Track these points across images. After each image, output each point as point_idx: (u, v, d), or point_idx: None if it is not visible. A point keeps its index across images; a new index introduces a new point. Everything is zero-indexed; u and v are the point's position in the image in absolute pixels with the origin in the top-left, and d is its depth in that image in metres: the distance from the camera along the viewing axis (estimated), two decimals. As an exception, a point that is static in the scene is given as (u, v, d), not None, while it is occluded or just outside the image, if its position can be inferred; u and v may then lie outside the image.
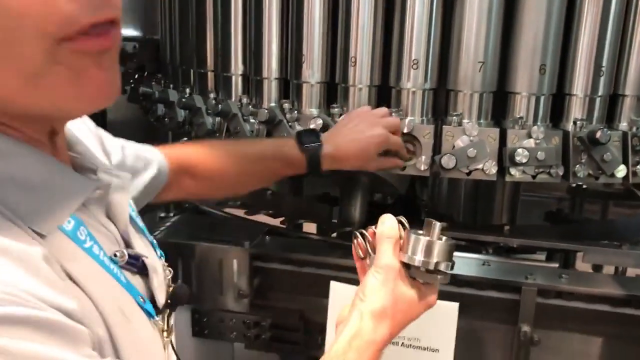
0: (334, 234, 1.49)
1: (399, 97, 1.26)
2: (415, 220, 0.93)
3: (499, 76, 1.23)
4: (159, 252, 0.86)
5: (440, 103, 1.27)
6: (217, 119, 1.43)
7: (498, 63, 1.22)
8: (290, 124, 1.30)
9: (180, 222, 1.49)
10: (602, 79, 1.22)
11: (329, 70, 1.32)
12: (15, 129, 0.62)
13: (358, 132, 1.18)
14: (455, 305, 1.05)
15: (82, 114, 0.72)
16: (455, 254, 1.27)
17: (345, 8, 1.25)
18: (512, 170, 1.19)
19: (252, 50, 1.39)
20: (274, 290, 1.35)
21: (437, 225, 0.85)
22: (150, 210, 1.24)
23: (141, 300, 0.73)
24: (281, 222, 1.64)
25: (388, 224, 0.87)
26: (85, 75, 0.59)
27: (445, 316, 1.05)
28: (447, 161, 1.17)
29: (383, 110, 1.23)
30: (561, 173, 1.19)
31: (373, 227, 0.89)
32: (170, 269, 0.85)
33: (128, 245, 0.76)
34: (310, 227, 1.72)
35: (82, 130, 0.85)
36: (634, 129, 1.22)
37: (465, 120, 1.22)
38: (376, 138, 1.18)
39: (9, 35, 0.55)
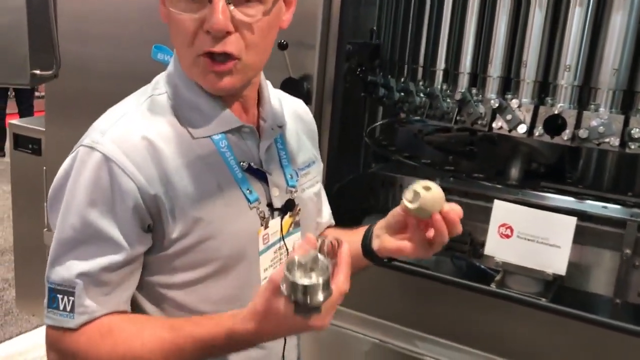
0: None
1: (555, 90, 1.84)
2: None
3: (629, 79, 1.76)
4: (291, 182, 1.20)
5: (584, 96, 1.83)
6: (424, 99, 2.10)
7: (629, 70, 1.76)
8: (475, 103, 1.93)
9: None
10: None
11: (506, 67, 1.94)
12: None
13: None
14: (573, 219, 1.62)
15: (212, 92, 1.10)
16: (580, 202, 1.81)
17: (522, 27, 1.86)
18: (631, 145, 1.72)
19: (453, 52, 2.06)
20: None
21: (312, 253, 0.88)
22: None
23: (247, 191, 1.11)
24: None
25: (300, 248, 0.92)
26: (207, 77, 1.05)
27: (566, 224, 1.62)
28: (583, 133, 1.73)
29: None
30: (665, 149, 1.70)
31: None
32: (294, 193, 1.20)
33: (262, 164, 1.15)
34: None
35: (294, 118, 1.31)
36: None
37: (601, 109, 1.78)
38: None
39: (182, 40, 1.04)
